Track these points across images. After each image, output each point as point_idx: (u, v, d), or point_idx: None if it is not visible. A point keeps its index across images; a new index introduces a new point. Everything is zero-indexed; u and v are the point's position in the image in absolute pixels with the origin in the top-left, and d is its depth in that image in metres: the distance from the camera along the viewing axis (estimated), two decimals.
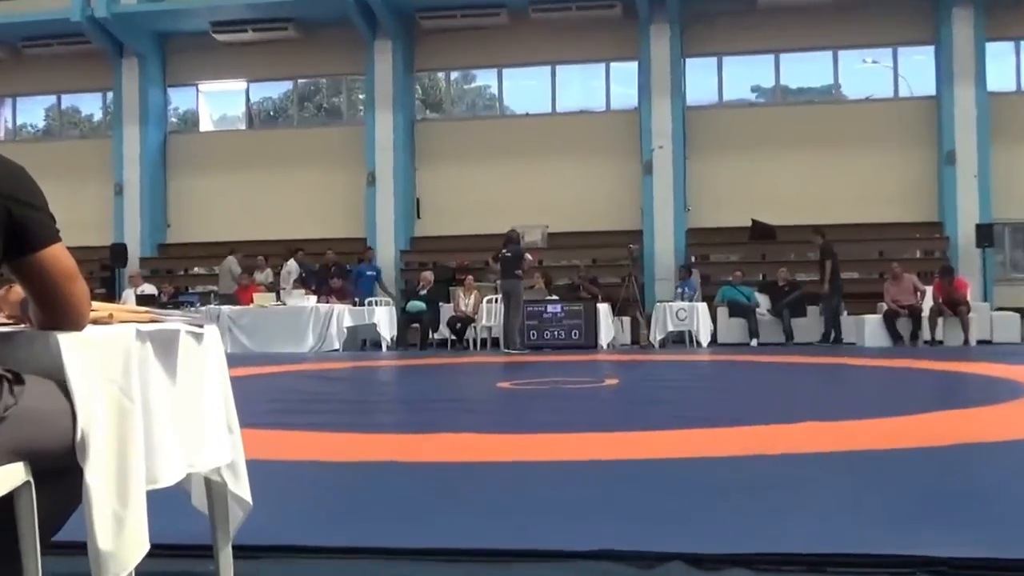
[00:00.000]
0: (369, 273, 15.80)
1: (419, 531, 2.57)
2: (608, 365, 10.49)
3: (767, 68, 17.22)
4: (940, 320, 13.21)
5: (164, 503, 1.91)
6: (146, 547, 1.68)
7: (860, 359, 10.27)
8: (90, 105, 19.97)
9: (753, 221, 16.19)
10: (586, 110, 17.77)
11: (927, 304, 13.40)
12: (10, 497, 1.58)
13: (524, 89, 18.20)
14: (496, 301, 13.77)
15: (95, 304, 1.81)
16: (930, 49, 16.57)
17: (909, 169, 16.28)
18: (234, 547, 2.13)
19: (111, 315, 1.84)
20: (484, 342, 14.06)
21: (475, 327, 14.17)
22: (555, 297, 14.29)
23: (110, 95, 18.85)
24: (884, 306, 13.57)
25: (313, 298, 14.01)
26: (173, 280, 17.90)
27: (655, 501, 2.96)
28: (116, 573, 1.62)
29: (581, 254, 16.88)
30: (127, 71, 18.19)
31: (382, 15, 16.90)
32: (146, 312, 1.97)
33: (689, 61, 17.04)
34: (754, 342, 13.96)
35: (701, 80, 17.25)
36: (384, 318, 13.88)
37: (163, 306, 13.34)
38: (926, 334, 13.21)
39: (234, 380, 2.14)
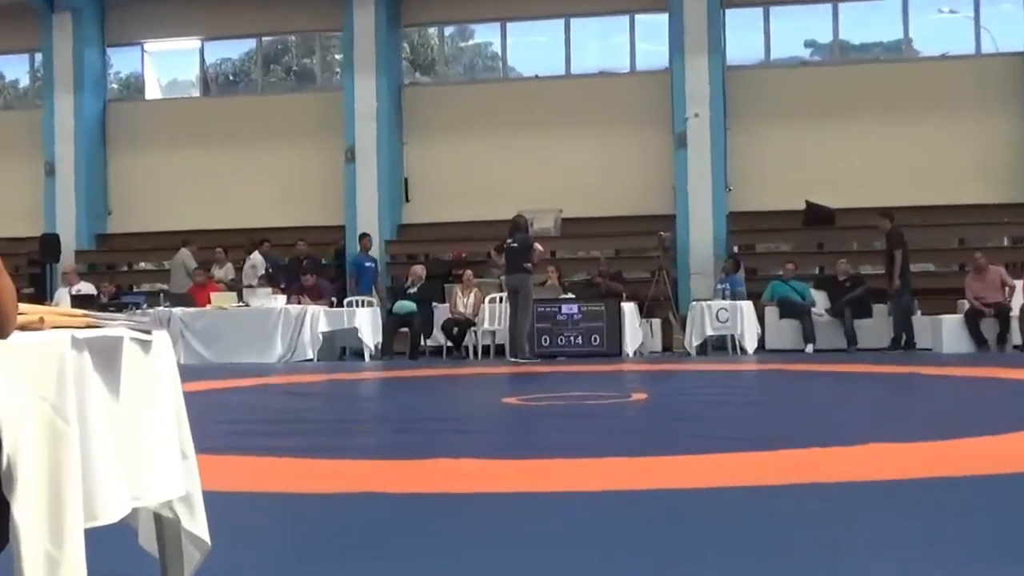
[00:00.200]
0: (368, 265, 15.81)
1: None
2: (635, 376, 10.47)
3: (823, 20, 17.16)
4: None
5: (106, 543, 1.92)
6: None
7: (936, 368, 10.24)
8: (14, 69, 19.98)
9: (807, 203, 16.16)
10: (607, 72, 17.73)
11: (1016, 302, 13.35)
12: None
13: (532, 47, 18.16)
14: (500, 301, 13.75)
15: (22, 307, 1.82)
16: None
17: (994, 140, 16.22)
18: None
19: (42, 319, 1.85)
20: (486, 350, 14.05)
21: (475, 332, 14.17)
22: (571, 296, 14.28)
23: (39, 57, 18.86)
24: (965, 304, 13.53)
25: (282, 298, 14.02)
26: (115, 277, 17.91)
27: (692, 539, 2.96)
28: None
29: (602, 244, 16.84)
30: (59, 28, 18.20)
31: None
32: (83, 316, 1.98)
33: (730, 12, 17.00)
34: (809, 348, 13.94)
35: (744, 35, 17.20)
36: (367, 322, 13.88)
37: (103, 308, 13.35)
38: (1016, 337, 13.15)
39: (188, 396, 2.15)
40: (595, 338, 13.28)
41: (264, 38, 19.05)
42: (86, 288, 15.47)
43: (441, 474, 4.25)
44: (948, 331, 13.32)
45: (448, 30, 18.82)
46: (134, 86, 19.49)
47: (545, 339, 13.29)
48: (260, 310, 13.63)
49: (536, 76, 18.04)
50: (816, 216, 16.21)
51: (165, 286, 16.08)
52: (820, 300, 14.57)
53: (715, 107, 16.45)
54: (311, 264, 15.52)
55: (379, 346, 14.03)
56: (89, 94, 18.34)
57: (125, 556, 2.21)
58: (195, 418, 2.19)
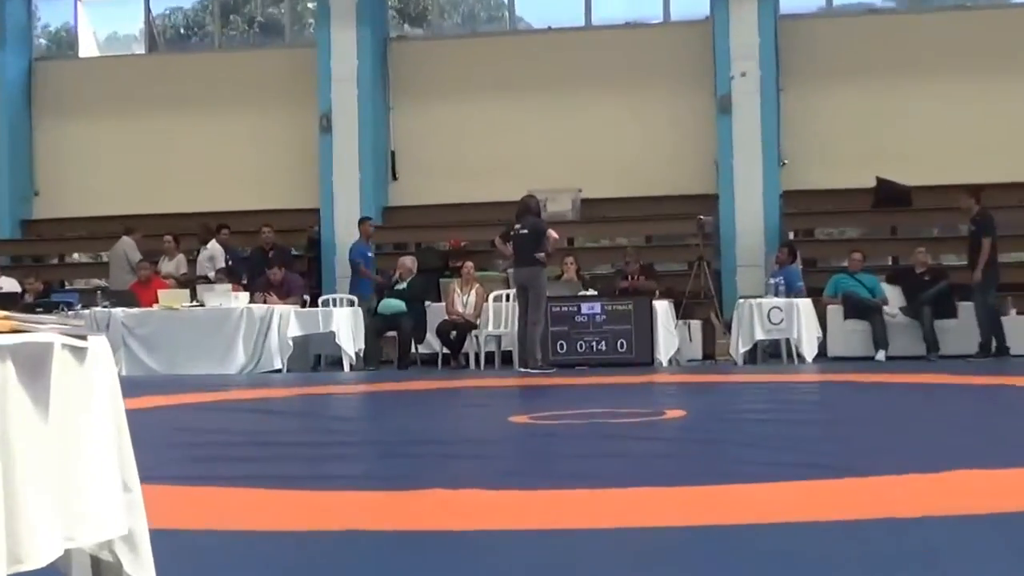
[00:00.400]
0: (370, 255, 15.80)
1: None
2: (670, 390, 10.47)
3: None
4: None
5: None
6: None
7: None
8: None
9: (878, 180, 16.13)
10: (634, 23, 17.74)
11: None
12: None
13: None
14: (507, 299, 13.76)
15: None
16: None
17: None
18: None
19: None
20: (490, 358, 14.07)
21: (477, 336, 14.18)
22: (592, 292, 14.29)
23: None
24: None
25: (245, 296, 14.04)
26: (43, 272, 17.92)
27: None
28: None
29: (629, 230, 16.84)
30: None
31: None
32: (5, 318, 1.99)
33: None
34: (880, 355, 13.92)
35: None
36: (346, 324, 13.88)
37: (29, 309, 13.39)
38: None
39: (132, 414, 2.15)
40: (621, 343, 13.28)
41: None
42: (8, 285, 15.50)
43: (437, 508, 4.25)
44: None
45: None
46: (65, 41, 19.53)
47: (561, 345, 13.30)
48: (218, 311, 13.64)
49: (549, 28, 18.05)
50: (888, 196, 16.18)
51: (103, 282, 16.10)
52: (893, 297, 14.53)
53: (766, 65, 16.42)
54: (279, 255, 15.52)
55: (361, 354, 14.04)
56: (11, 51, 18.36)
57: None
58: (140, 441, 2.19)
